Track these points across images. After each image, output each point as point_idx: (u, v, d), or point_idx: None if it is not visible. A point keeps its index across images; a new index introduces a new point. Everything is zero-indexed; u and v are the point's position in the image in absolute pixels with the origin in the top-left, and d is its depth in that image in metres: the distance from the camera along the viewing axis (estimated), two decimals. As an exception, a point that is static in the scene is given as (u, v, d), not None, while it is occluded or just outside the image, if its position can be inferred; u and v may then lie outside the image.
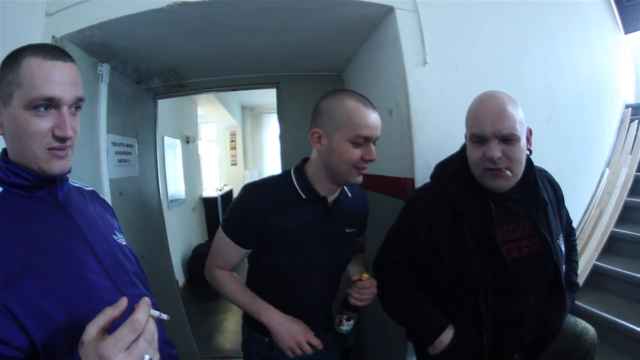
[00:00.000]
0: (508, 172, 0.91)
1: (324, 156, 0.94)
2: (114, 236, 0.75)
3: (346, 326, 1.04)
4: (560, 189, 1.11)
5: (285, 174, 1.02)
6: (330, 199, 1.00)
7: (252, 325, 1.06)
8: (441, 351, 0.95)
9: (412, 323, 1.04)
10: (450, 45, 1.33)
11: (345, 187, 1.04)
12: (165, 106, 2.66)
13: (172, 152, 3.43)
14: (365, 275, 0.98)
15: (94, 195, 0.83)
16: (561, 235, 1.03)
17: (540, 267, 0.95)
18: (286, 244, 0.96)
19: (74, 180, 0.79)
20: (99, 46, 1.43)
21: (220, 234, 1.00)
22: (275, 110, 2.21)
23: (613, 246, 2.08)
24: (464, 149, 1.02)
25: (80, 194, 0.77)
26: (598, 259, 2.01)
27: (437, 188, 1.00)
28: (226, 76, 2.02)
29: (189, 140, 3.81)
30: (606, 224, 2.11)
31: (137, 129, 1.95)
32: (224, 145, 5.99)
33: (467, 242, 0.91)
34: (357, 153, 0.90)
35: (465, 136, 0.98)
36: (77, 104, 0.64)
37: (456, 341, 0.95)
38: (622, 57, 2.78)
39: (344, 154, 0.90)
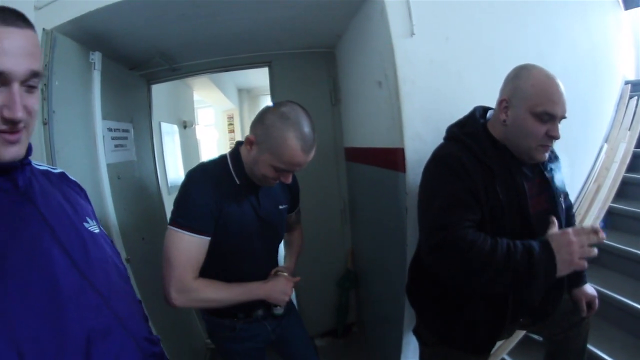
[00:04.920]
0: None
1: (250, 160, 0.98)
2: (85, 224, 0.68)
3: (277, 311, 1.13)
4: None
5: (222, 158, 1.04)
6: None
7: (211, 312, 1.12)
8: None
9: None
10: (440, 16, 1.31)
11: None
12: (160, 92, 2.66)
13: (170, 139, 3.43)
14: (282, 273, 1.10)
15: (64, 178, 0.75)
16: (562, 195, 1.08)
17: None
18: (230, 225, 0.99)
19: (40, 163, 0.71)
20: (90, 35, 1.44)
21: (173, 235, 0.91)
22: (269, 92, 2.20)
23: (611, 221, 2.08)
24: (473, 114, 1.05)
25: (47, 178, 0.68)
26: (595, 234, 2.01)
27: (464, 145, 0.98)
28: (217, 57, 2.01)
29: (186, 125, 3.78)
30: (604, 199, 2.10)
31: (133, 114, 1.96)
32: (222, 129, 6.00)
33: (499, 197, 0.93)
34: (275, 174, 0.96)
35: (507, 103, 0.97)
36: (32, 79, 0.54)
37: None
38: (622, 33, 2.73)
39: (264, 171, 0.95)
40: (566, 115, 0.93)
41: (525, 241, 0.85)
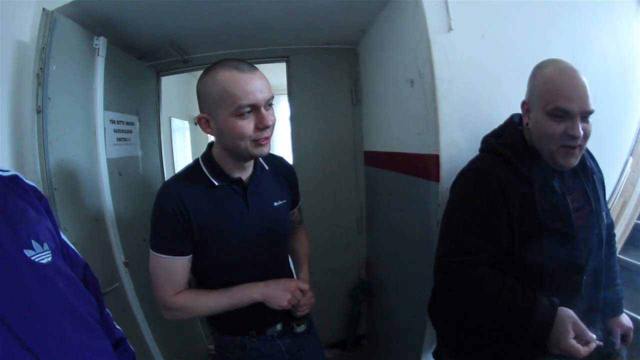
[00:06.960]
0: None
1: (219, 139, 0.89)
2: (29, 251, 0.51)
3: (300, 329, 1.04)
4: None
5: (195, 163, 0.96)
6: (245, 177, 0.95)
7: (220, 329, 1.02)
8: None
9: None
10: (476, 12, 1.22)
11: (260, 160, 0.99)
12: (171, 87, 2.57)
13: (180, 135, 3.37)
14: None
15: (15, 184, 0.59)
16: (604, 208, 1.00)
17: (591, 241, 0.91)
18: (215, 235, 0.89)
19: None
20: (95, 19, 1.34)
21: (153, 258, 0.90)
22: (285, 92, 2.10)
23: (637, 239, 1.99)
24: (511, 121, 0.98)
25: None
26: (621, 252, 1.92)
27: (502, 158, 0.91)
28: (232, 50, 1.91)
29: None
30: (630, 215, 2.01)
31: (139, 106, 1.85)
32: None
33: (537, 213, 0.86)
34: (247, 126, 0.83)
35: (527, 105, 0.92)
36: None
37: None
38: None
39: (233, 131, 0.83)
40: (590, 109, 0.84)
41: (533, 296, 0.82)
